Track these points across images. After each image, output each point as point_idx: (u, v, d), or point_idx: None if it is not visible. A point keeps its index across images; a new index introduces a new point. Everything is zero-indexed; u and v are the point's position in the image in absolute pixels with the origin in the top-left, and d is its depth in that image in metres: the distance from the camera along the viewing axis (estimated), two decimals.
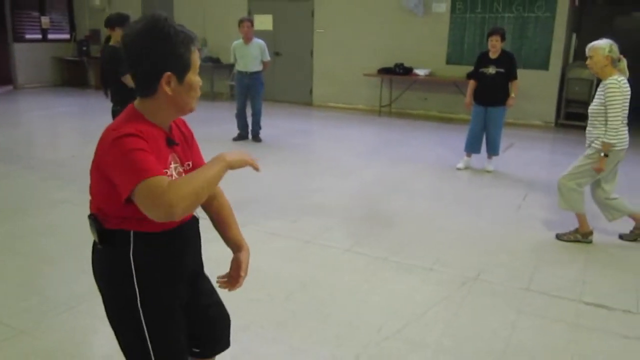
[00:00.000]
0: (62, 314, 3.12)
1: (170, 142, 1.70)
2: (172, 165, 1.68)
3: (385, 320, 3.15)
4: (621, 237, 4.51)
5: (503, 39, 6.23)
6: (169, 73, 1.59)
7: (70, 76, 13.94)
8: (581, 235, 4.40)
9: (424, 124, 9.89)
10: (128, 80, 4.52)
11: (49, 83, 13.88)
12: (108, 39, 5.09)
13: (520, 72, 9.51)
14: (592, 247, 4.33)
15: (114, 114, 4.88)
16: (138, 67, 1.61)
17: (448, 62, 10.28)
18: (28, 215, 4.76)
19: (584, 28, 10.89)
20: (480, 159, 6.71)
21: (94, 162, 1.62)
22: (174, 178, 1.64)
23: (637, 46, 11.70)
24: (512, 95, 6.27)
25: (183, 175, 1.70)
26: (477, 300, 3.44)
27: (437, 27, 10.24)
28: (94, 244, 1.73)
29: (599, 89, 4.22)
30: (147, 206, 1.46)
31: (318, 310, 3.27)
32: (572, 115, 9.49)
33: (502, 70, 6.21)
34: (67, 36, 14.31)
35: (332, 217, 4.90)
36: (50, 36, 14.01)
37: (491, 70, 6.24)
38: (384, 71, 10.57)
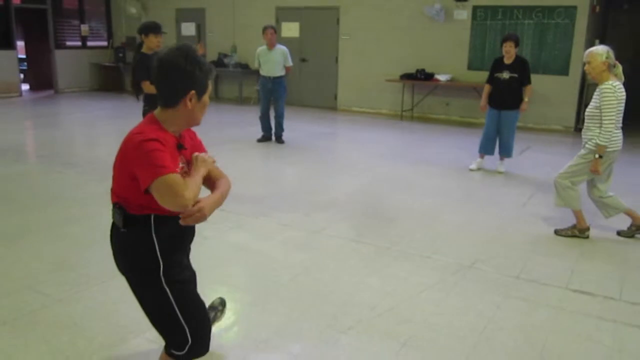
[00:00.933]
0: (94, 287, 3.53)
1: (180, 147, 2.10)
2: (180, 165, 2.09)
3: (379, 300, 3.45)
4: (619, 233, 4.71)
5: (517, 45, 6.44)
6: (193, 92, 2.00)
7: (107, 81, 14.64)
8: (578, 231, 4.61)
9: (445, 128, 10.13)
10: (146, 86, 4.96)
11: (87, 88, 14.61)
12: (140, 45, 5.48)
13: (540, 78, 9.86)
14: (587, 242, 4.55)
15: (145, 113, 5.29)
16: (169, 81, 2.00)
17: (469, 67, 10.50)
18: (65, 206, 5.22)
19: (609, 35, 10.97)
20: (493, 160, 6.94)
21: (118, 159, 2.03)
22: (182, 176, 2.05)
23: None
24: (526, 99, 6.48)
25: (186, 173, 2.11)
26: (468, 285, 3.71)
27: (458, 34, 10.49)
28: (115, 230, 2.12)
29: (595, 93, 4.44)
30: (166, 199, 1.88)
31: (318, 290, 3.60)
32: None
33: (515, 75, 6.43)
34: (104, 43, 15.04)
35: (342, 211, 5.22)
36: (89, 43, 14.75)
37: (505, 75, 6.48)
38: (406, 77, 10.85)
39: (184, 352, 2.16)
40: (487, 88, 6.72)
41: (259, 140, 8.44)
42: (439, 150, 8.11)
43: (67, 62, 14.10)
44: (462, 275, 3.85)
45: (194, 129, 2.25)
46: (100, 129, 9.77)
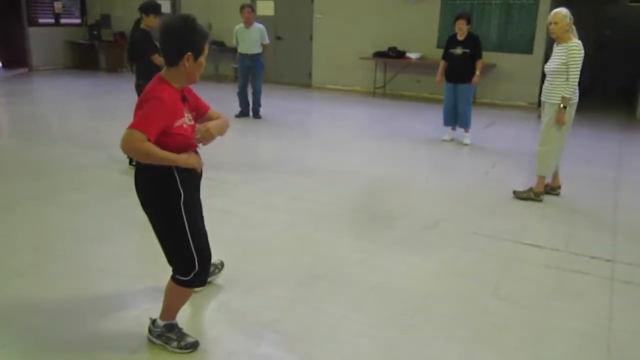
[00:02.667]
0: (95, 244, 3.84)
1: (184, 99, 2.53)
2: (186, 114, 2.50)
3: (350, 253, 3.84)
4: (515, 193, 5.16)
5: (469, 22, 6.92)
6: (189, 53, 2.37)
7: (82, 59, 14.62)
8: (534, 194, 5.05)
9: (415, 104, 10.52)
10: (157, 59, 5.27)
11: (61, 65, 14.58)
12: (138, 21, 5.67)
13: (505, 56, 10.31)
14: (541, 204, 4.99)
15: (138, 87, 5.53)
16: (170, 44, 2.38)
17: (439, 46, 10.81)
18: (58, 175, 5.48)
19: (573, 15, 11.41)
20: (460, 133, 7.36)
21: (136, 109, 2.41)
22: (188, 124, 2.49)
23: (625, 34, 12.30)
24: (477, 73, 6.95)
25: (193, 120, 2.56)
26: (431, 240, 4.12)
27: (428, 13, 10.83)
28: (141, 173, 2.49)
29: (557, 50, 4.83)
30: (123, 141, 2.29)
31: (296, 246, 3.97)
32: None
33: (468, 50, 6.90)
34: (78, 21, 14.98)
35: (318, 180, 5.58)
36: (62, 20, 14.67)
37: (458, 50, 6.94)
38: (379, 55, 11.19)
39: (189, 277, 2.54)
40: (442, 64, 7.19)
41: (237, 116, 8.71)
42: (409, 125, 8.50)
43: (40, 40, 14.04)
44: (426, 233, 4.26)
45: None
46: (75, 105, 9.90)
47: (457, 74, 7.01)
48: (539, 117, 5.09)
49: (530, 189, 5.09)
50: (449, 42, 7.11)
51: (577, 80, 4.72)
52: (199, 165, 2.54)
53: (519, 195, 5.10)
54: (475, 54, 6.89)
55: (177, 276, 2.56)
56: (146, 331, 2.73)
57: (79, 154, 6.23)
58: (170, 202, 2.46)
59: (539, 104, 10.29)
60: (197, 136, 2.53)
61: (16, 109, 9.36)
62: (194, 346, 2.68)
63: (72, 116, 9.06)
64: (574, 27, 4.79)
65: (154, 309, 2.77)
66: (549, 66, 4.90)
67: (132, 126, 2.29)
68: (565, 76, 4.74)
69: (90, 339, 2.75)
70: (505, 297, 3.29)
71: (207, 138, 2.55)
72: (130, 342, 2.72)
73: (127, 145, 2.30)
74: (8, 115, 9.08)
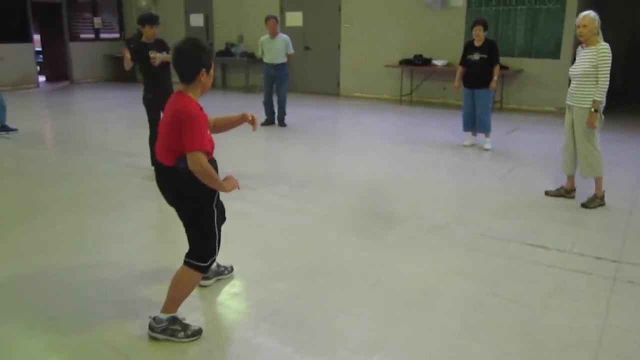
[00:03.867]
0: (113, 242, 4.08)
1: (201, 109, 2.80)
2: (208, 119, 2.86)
3: (357, 252, 3.96)
4: (547, 193, 5.22)
5: (485, 28, 6.99)
6: (203, 70, 2.71)
7: (120, 72, 15.17)
8: (599, 199, 4.97)
9: (441, 111, 10.55)
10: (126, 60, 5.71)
11: (101, 78, 15.22)
12: (140, 34, 5.86)
13: (532, 61, 10.29)
14: (553, 207, 4.99)
15: (145, 100, 5.79)
16: (185, 65, 2.70)
17: None
18: (86, 181, 5.80)
19: (605, 17, 11.25)
20: (481, 138, 7.39)
21: (173, 123, 2.65)
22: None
23: None
24: (495, 78, 7.00)
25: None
26: (437, 241, 4.20)
27: (454, 20, 10.88)
28: (177, 178, 2.72)
29: (585, 53, 4.80)
30: (193, 165, 2.61)
31: (305, 244, 4.12)
32: None
33: (485, 56, 6.95)
34: (117, 35, 15.62)
35: (333, 184, 5.73)
36: (102, 35, 15.34)
37: (476, 56, 6.99)
38: (405, 62, 11.28)
39: (207, 264, 2.87)
40: (460, 69, 7.26)
41: (262, 124, 8.93)
42: (433, 131, 8.56)
43: (81, 54, 14.72)
44: (433, 234, 4.34)
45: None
46: (113, 115, 10.33)
47: (475, 79, 7.06)
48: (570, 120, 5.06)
49: (595, 196, 5.01)
50: (467, 48, 7.19)
51: (608, 83, 4.71)
52: (234, 188, 2.84)
53: (589, 206, 4.95)
54: (493, 60, 6.94)
55: (196, 262, 2.83)
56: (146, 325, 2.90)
57: (109, 161, 6.56)
58: (208, 199, 2.80)
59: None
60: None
61: (56, 120, 9.87)
62: (199, 333, 2.87)
63: (106, 126, 9.48)
64: (600, 30, 4.79)
65: (156, 302, 2.95)
66: (576, 69, 4.87)
67: (192, 148, 2.59)
68: (595, 79, 4.73)
69: (92, 321, 2.97)
70: (502, 295, 3.35)
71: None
72: (130, 326, 2.91)
73: (197, 168, 2.61)
74: (48, 125, 9.57)
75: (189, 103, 2.69)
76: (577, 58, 4.96)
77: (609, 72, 4.69)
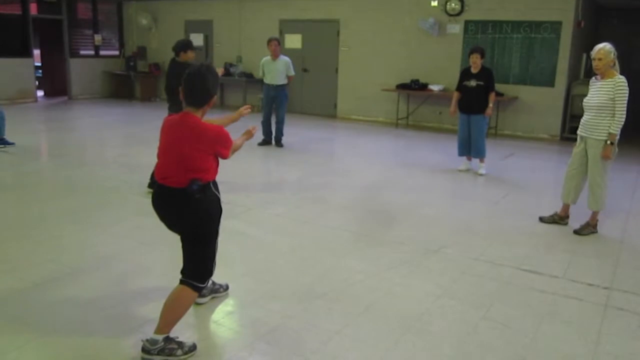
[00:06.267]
0: (108, 260, 4.10)
1: None
2: None
3: (352, 275, 3.98)
4: (541, 219, 5.29)
5: (482, 56, 7.11)
6: (215, 95, 2.87)
7: (119, 89, 15.33)
8: (592, 227, 5.05)
9: (437, 135, 10.66)
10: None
11: (99, 95, 15.29)
12: (174, 59, 6.03)
13: (527, 89, 10.44)
14: (546, 233, 5.05)
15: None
16: (202, 92, 2.81)
17: None
18: (83, 196, 5.82)
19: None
20: (476, 163, 7.47)
21: (200, 143, 2.76)
22: None
23: None
24: (490, 105, 7.11)
25: None
26: (431, 265, 4.23)
27: (451, 47, 11.06)
28: (188, 199, 2.76)
29: (601, 85, 4.82)
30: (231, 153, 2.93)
31: (301, 265, 4.15)
32: (576, 129, 10.03)
33: (481, 83, 7.07)
34: (116, 52, 15.74)
35: (330, 205, 5.77)
36: (101, 52, 15.44)
37: (472, 83, 7.11)
38: (402, 87, 11.43)
39: (204, 284, 2.94)
40: (456, 95, 7.37)
41: (260, 144, 9.01)
42: (428, 155, 8.64)
43: (80, 70, 14.80)
44: (428, 257, 4.38)
45: None
46: (111, 132, 10.38)
47: (471, 105, 7.17)
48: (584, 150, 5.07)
49: (588, 224, 5.07)
50: (463, 74, 7.32)
51: (625, 116, 4.74)
52: (249, 135, 3.35)
53: (582, 233, 5.03)
54: (489, 87, 7.05)
55: (194, 282, 2.87)
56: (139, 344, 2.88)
57: (106, 177, 6.58)
58: (214, 220, 2.90)
59: (561, 136, 10.43)
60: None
61: (53, 135, 9.90)
62: (194, 348, 2.90)
63: (104, 142, 9.52)
64: (617, 62, 4.81)
65: (151, 319, 2.96)
66: (591, 101, 4.87)
67: (228, 154, 2.90)
68: (611, 112, 4.75)
69: (88, 337, 2.97)
70: (495, 319, 3.38)
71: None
72: (126, 343, 2.92)
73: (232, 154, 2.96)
74: (46, 140, 9.59)
75: (206, 123, 2.85)
76: (590, 89, 4.97)
77: (625, 105, 4.71)
